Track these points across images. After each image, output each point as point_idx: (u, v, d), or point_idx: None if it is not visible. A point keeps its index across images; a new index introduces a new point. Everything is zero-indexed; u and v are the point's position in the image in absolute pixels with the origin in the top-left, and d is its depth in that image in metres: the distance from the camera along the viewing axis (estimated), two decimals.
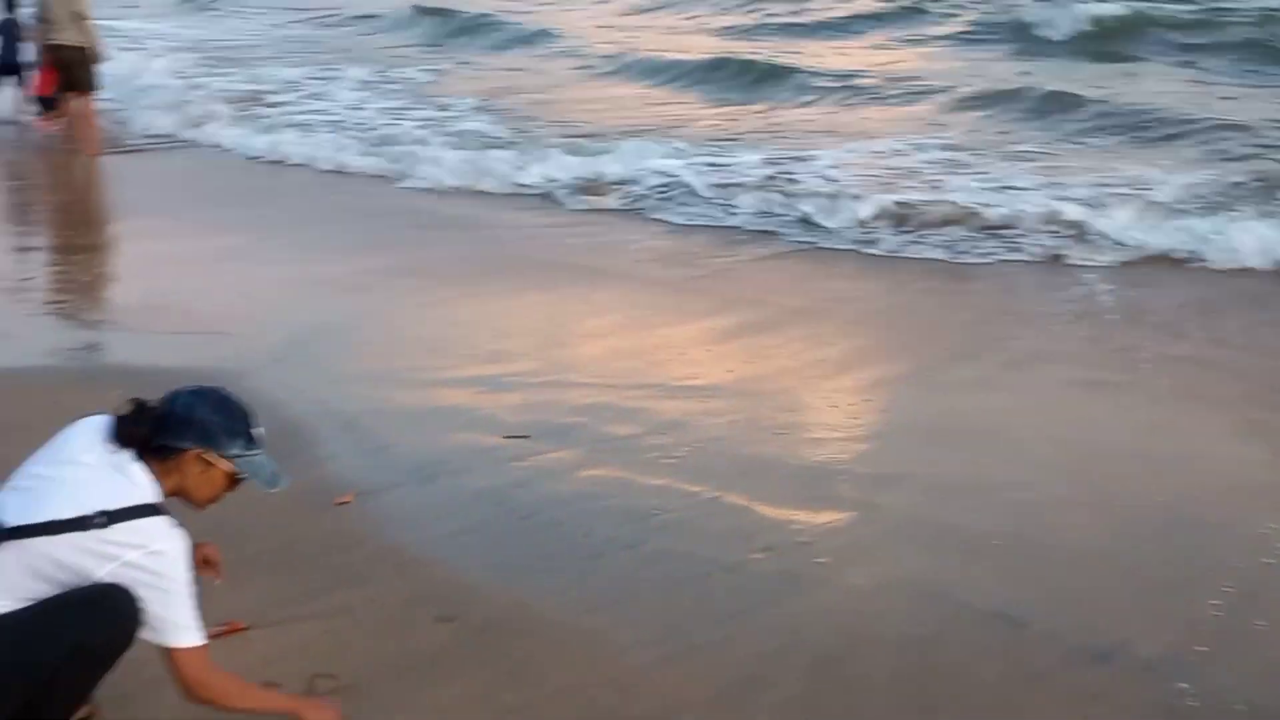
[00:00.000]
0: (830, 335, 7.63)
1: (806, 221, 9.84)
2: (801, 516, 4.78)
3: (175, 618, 2.73)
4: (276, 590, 4.03)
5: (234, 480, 2.93)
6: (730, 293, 8.70)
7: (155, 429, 2.79)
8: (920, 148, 12.11)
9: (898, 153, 12.01)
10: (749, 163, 11.62)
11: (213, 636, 3.55)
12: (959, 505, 4.90)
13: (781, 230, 9.79)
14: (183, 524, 2.89)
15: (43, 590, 2.66)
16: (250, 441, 2.92)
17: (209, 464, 2.85)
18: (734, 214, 10.25)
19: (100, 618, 2.68)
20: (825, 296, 8.60)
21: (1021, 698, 3.56)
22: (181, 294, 8.41)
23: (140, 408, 2.82)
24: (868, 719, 3.38)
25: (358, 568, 4.23)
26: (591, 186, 11.11)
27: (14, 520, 2.62)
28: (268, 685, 3.20)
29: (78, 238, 10.43)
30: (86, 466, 2.72)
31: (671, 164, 11.43)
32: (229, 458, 2.86)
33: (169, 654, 2.76)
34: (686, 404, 6.26)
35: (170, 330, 7.44)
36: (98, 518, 2.62)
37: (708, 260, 9.29)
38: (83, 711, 3.12)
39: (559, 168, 11.47)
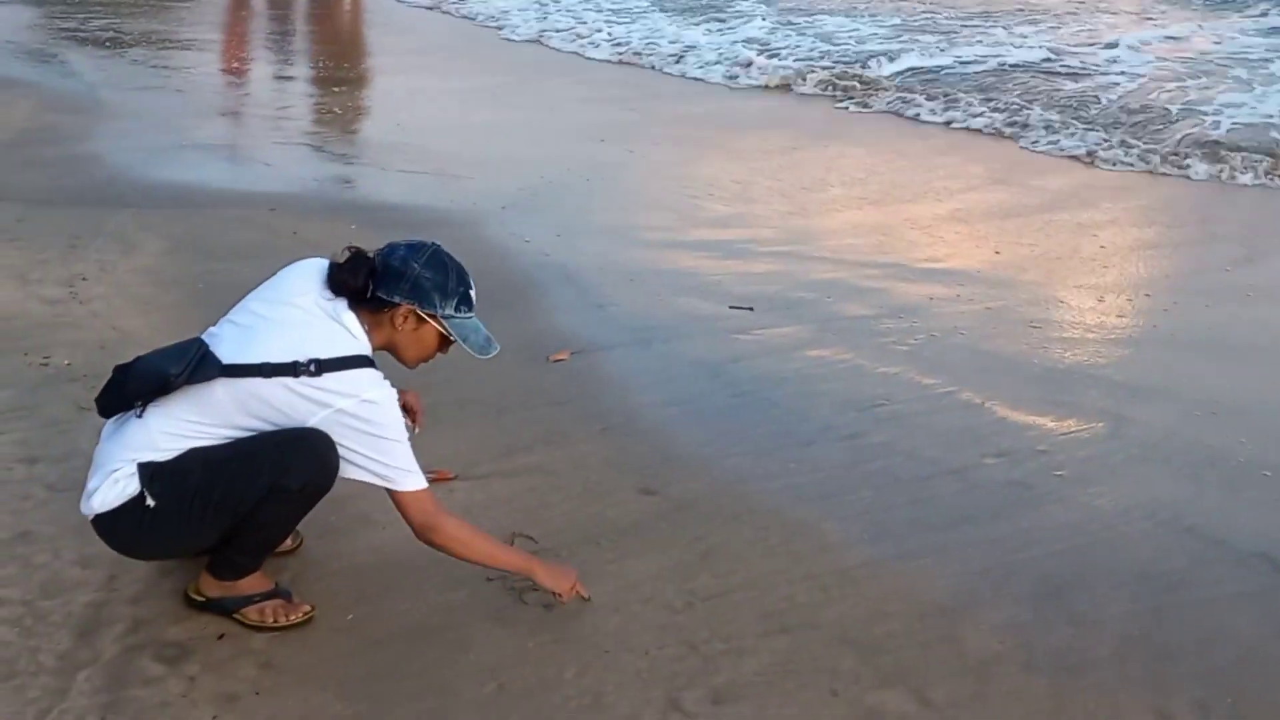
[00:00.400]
0: (1101, 226, 7.02)
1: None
2: (1042, 423, 4.37)
3: (396, 463, 2.70)
4: (484, 442, 3.95)
5: (445, 341, 2.84)
6: (997, 171, 8.14)
7: (370, 280, 2.71)
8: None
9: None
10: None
11: None
12: (1225, 428, 4.37)
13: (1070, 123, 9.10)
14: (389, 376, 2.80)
15: (251, 425, 2.66)
16: (465, 303, 2.82)
17: (421, 321, 2.77)
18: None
19: (299, 462, 2.64)
20: (1101, 185, 7.93)
21: (1277, 652, 3.13)
22: (425, 134, 8.47)
23: (357, 257, 2.74)
24: (1094, 659, 3.02)
25: (565, 428, 4.10)
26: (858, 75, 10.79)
27: (229, 357, 2.60)
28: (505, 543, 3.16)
29: (336, 72, 10.63)
30: (302, 310, 2.68)
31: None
32: (441, 318, 2.77)
33: (395, 498, 2.75)
34: (929, 287, 5.85)
35: (409, 169, 7.47)
36: (309, 364, 2.59)
37: (973, 141, 8.71)
38: (287, 543, 3.15)
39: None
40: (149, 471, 2.61)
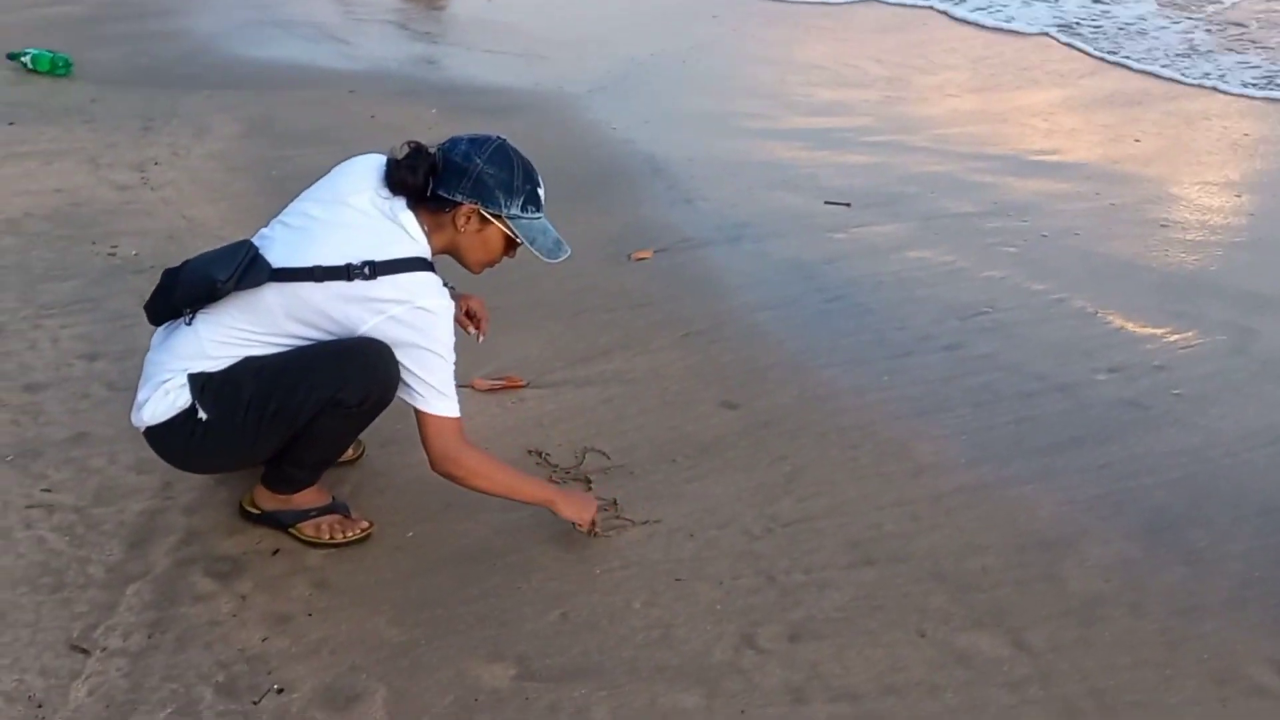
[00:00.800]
0: (1239, 115, 6.51)
1: None
2: (1161, 335, 4.04)
3: (432, 381, 2.50)
4: (558, 347, 3.75)
5: (511, 244, 2.61)
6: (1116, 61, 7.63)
7: (430, 177, 2.49)
8: None
9: None
10: None
11: (488, 390, 3.40)
12: None
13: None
14: (451, 284, 2.62)
15: (304, 333, 2.49)
16: (532, 202, 2.58)
17: (485, 222, 2.55)
18: None
19: (357, 375, 2.46)
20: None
21: None
22: (514, 11, 8.17)
23: (417, 152, 2.51)
24: (1210, 603, 2.75)
25: (645, 334, 3.88)
26: None
27: (280, 261, 2.43)
28: (526, 474, 2.90)
29: None
30: (357, 210, 2.48)
31: None
32: (506, 218, 2.54)
33: (420, 418, 2.55)
34: (1041, 183, 5.49)
35: (496, 49, 7.21)
36: (362, 268, 2.40)
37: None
38: (349, 453, 3.01)
39: None
40: (200, 382, 2.46)
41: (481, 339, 2.99)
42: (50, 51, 6.01)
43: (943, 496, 3.10)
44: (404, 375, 2.49)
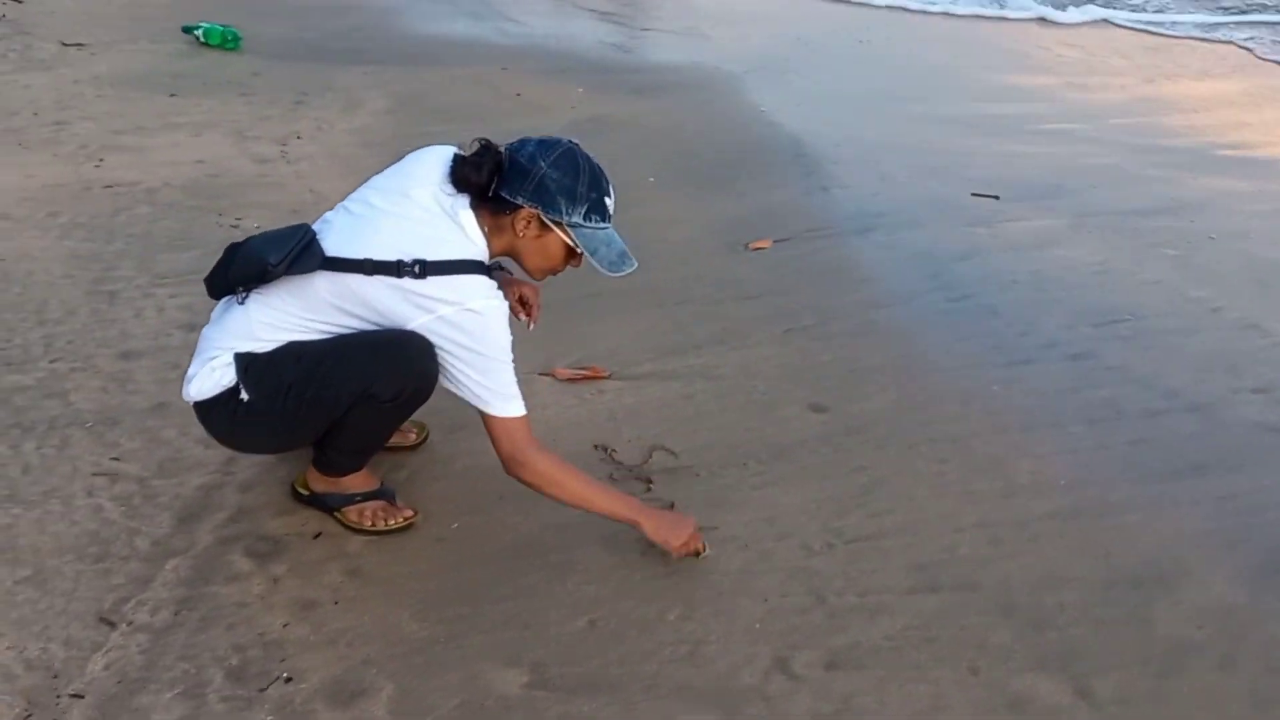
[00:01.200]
0: None
1: None
2: None
3: (492, 384, 2.42)
4: (650, 338, 3.64)
5: (572, 253, 2.49)
6: None
7: (494, 176, 2.41)
8: None
9: None
10: None
11: (570, 380, 3.32)
12: None
13: None
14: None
15: (353, 324, 2.45)
16: (597, 211, 2.45)
17: (545, 228, 2.44)
18: None
19: (390, 370, 2.41)
20: None
21: None
22: None
23: (484, 150, 2.43)
24: None
25: (746, 327, 3.73)
26: None
27: (334, 249, 2.39)
28: (608, 485, 2.76)
29: None
30: (418, 205, 2.42)
31: None
32: (567, 225, 2.42)
33: (486, 422, 2.47)
34: (1224, 180, 5.04)
35: (656, 26, 7.11)
36: (413, 265, 2.33)
37: None
38: (410, 437, 2.99)
39: None
40: (245, 362, 2.46)
41: (532, 326, 2.89)
42: (222, 26, 6.24)
43: (1031, 521, 2.86)
44: (462, 379, 2.42)
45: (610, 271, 2.47)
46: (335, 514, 2.72)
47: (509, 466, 2.49)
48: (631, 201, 4.51)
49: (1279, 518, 2.89)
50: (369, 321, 2.43)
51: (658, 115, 5.54)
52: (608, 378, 3.40)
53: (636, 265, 2.50)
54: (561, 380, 3.37)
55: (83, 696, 2.21)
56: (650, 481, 2.97)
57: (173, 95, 5.44)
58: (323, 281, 2.39)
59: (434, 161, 2.47)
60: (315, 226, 2.46)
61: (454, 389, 2.46)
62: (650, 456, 3.07)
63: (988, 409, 3.33)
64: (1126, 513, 2.90)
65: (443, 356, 2.42)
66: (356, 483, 2.72)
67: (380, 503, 2.73)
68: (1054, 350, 3.64)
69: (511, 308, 2.71)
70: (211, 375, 2.47)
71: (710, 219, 4.41)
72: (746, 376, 3.46)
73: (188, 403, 2.56)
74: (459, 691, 2.30)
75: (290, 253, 2.35)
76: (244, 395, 2.44)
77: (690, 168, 4.96)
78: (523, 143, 2.44)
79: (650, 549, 2.64)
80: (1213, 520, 2.87)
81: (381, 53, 6.32)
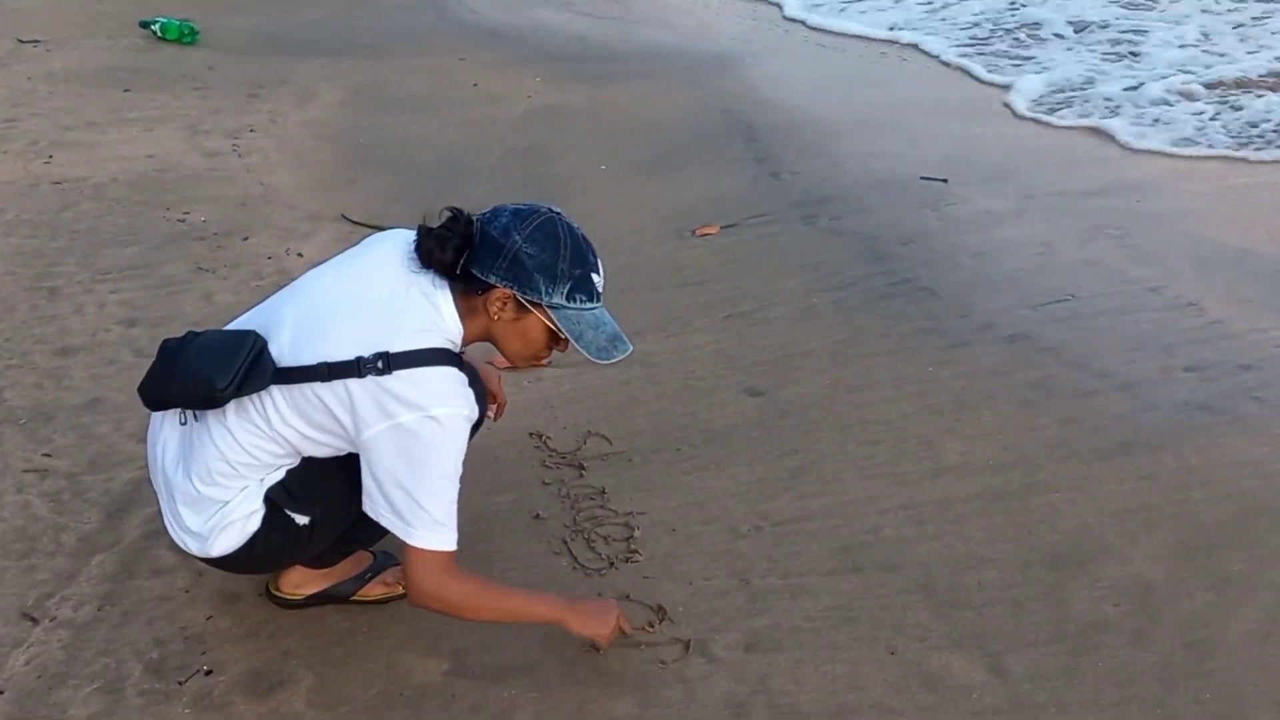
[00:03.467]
0: None
1: None
2: (1257, 331, 3.69)
3: (428, 505, 2.06)
4: None
5: (555, 337, 2.16)
6: None
7: (462, 252, 2.11)
8: None
9: None
10: None
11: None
12: None
13: None
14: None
15: (321, 438, 2.14)
16: (582, 290, 2.13)
17: (522, 310, 2.12)
18: None
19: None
20: None
21: None
22: None
23: (452, 220, 2.14)
24: (1229, 638, 2.45)
25: (686, 315, 3.77)
26: None
27: (286, 357, 2.09)
28: (529, 590, 2.43)
29: None
30: (382, 284, 2.13)
31: None
32: (546, 306, 2.10)
33: (405, 551, 2.11)
34: (1165, 161, 5.07)
35: (622, 16, 7.12)
36: (375, 360, 2.02)
37: None
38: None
39: None
40: (282, 495, 2.20)
41: (495, 420, 2.64)
42: (179, 20, 6.24)
43: (955, 502, 2.90)
44: (393, 495, 2.06)
45: (599, 359, 2.17)
46: (355, 599, 2.52)
47: (417, 599, 2.15)
48: (580, 190, 4.56)
49: (1202, 496, 2.91)
50: (332, 439, 2.15)
51: (613, 105, 5.56)
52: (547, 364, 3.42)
53: (631, 350, 2.23)
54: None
55: (2, 692, 2.23)
56: (583, 468, 3.01)
57: (127, 91, 5.46)
58: (280, 395, 2.10)
59: (399, 243, 2.20)
60: (263, 324, 2.17)
61: (372, 510, 2.11)
62: (584, 443, 3.11)
63: (921, 391, 3.36)
64: (1050, 492, 2.93)
65: (376, 472, 2.07)
66: (350, 565, 2.53)
67: (393, 568, 2.55)
68: (991, 332, 3.67)
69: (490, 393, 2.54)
70: (233, 529, 2.20)
71: (659, 206, 4.44)
72: (684, 362, 3.49)
73: (203, 557, 2.27)
74: (379, 680, 2.34)
75: (238, 371, 2.06)
76: (301, 520, 2.23)
77: (642, 156, 4.99)
78: (495, 212, 2.13)
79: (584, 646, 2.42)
80: (1135, 498, 2.91)
81: (339, 45, 6.34)
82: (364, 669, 2.36)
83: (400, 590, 2.48)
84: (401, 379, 2.02)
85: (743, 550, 2.72)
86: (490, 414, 2.56)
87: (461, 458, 2.09)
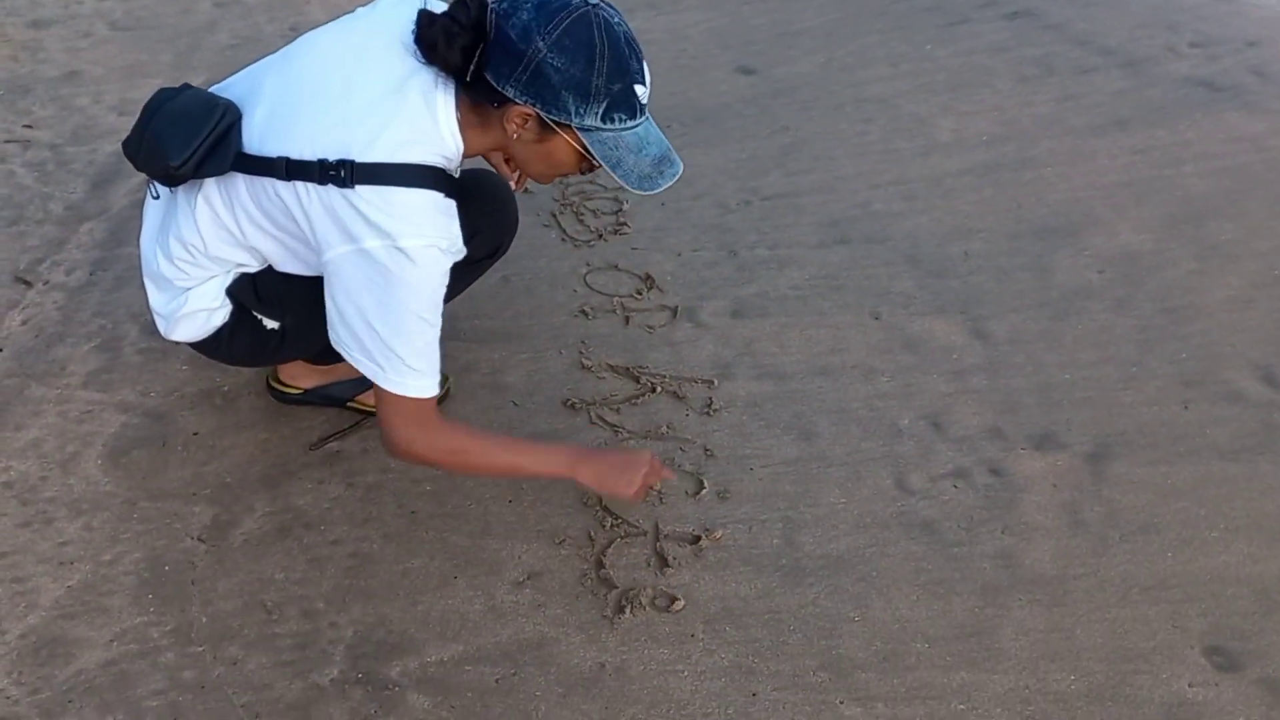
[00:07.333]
0: None
1: None
2: (1274, 9, 3.55)
3: (398, 348, 1.74)
4: None
5: (586, 160, 1.72)
6: None
7: (473, 52, 1.65)
8: None
9: None
10: None
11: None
12: None
13: None
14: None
15: (274, 249, 1.88)
16: (621, 107, 1.65)
17: (547, 130, 1.67)
18: None
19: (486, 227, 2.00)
20: None
21: None
22: None
23: (461, 4, 1.66)
24: (1206, 303, 2.49)
25: None
26: None
27: (253, 142, 1.76)
28: (530, 440, 2.15)
29: None
30: (373, 76, 1.73)
31: None
32: (577, 129, 1.66)
33: (378, 395, 1.80)
34: None
35: None
36: (338, 168, 1.68)
37: None
38: None
39: None
40: (245, 292, 1.97)
41: (519, 189, 2.24)
42: None
43: (946, 177, 2.88)
44: (357, 331, 1.75)
45: (641, 189, 1.73)
46: (349, 404, 2.30)
47: (392, 451, 1.86)
48: None
49: (1194, 169, 2.90)
50: (299, 247, 1.86)
51: None
52: None
53: (680, 171, 1.77)
54: None
55: (1, 350, 2.28)
56: None
57: None
58: (242, 185, 1.79)
59: (402, 15, 1.76)
60: (245, 93, 1.82)
61: (339, 346, 1.80)
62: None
63: (918, 70, 3.29)
64: (1043, 167, 2.91)
65: (340, 302, 1.75)
66: (352, 366, 2.06)
67: None
68: (992, 9, 3.56)
69: (497, 165, 2.22)
70: (195, 319, 1.99)
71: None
72: (675, 40, 3.40)
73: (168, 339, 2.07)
74: None
75: (197, 148, 1.75)
76: (270, 325, 2.01)
77: None
78: (515, 3, 1.63)
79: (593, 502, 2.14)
80: (1127, 172, 2.89)
81: None
82: None
83: None
84: (367, 196, 1.67)
85: (731, 224, 2.73)
86: (513, 184, 2.19)
87: (439, 296, 1.75)
